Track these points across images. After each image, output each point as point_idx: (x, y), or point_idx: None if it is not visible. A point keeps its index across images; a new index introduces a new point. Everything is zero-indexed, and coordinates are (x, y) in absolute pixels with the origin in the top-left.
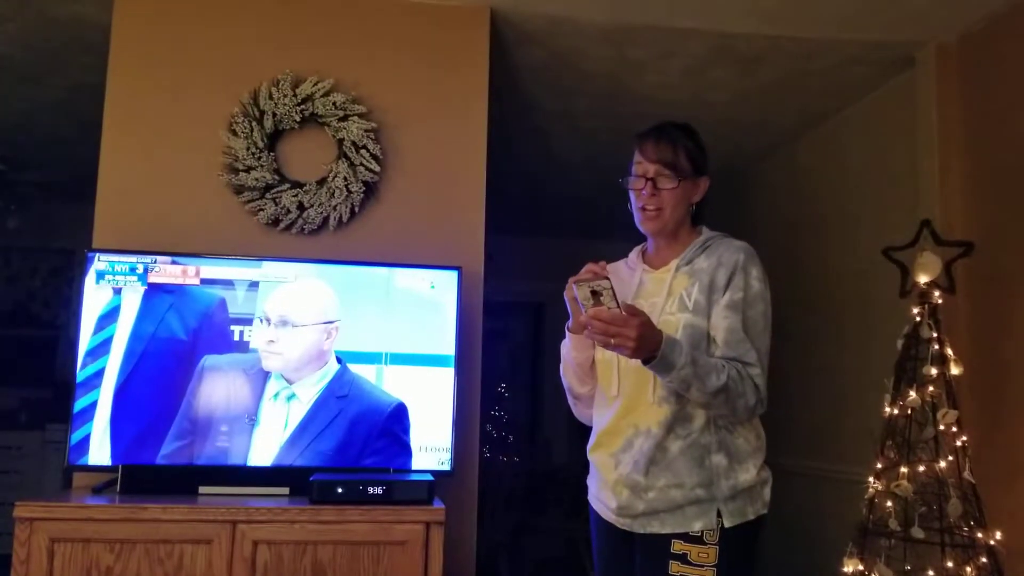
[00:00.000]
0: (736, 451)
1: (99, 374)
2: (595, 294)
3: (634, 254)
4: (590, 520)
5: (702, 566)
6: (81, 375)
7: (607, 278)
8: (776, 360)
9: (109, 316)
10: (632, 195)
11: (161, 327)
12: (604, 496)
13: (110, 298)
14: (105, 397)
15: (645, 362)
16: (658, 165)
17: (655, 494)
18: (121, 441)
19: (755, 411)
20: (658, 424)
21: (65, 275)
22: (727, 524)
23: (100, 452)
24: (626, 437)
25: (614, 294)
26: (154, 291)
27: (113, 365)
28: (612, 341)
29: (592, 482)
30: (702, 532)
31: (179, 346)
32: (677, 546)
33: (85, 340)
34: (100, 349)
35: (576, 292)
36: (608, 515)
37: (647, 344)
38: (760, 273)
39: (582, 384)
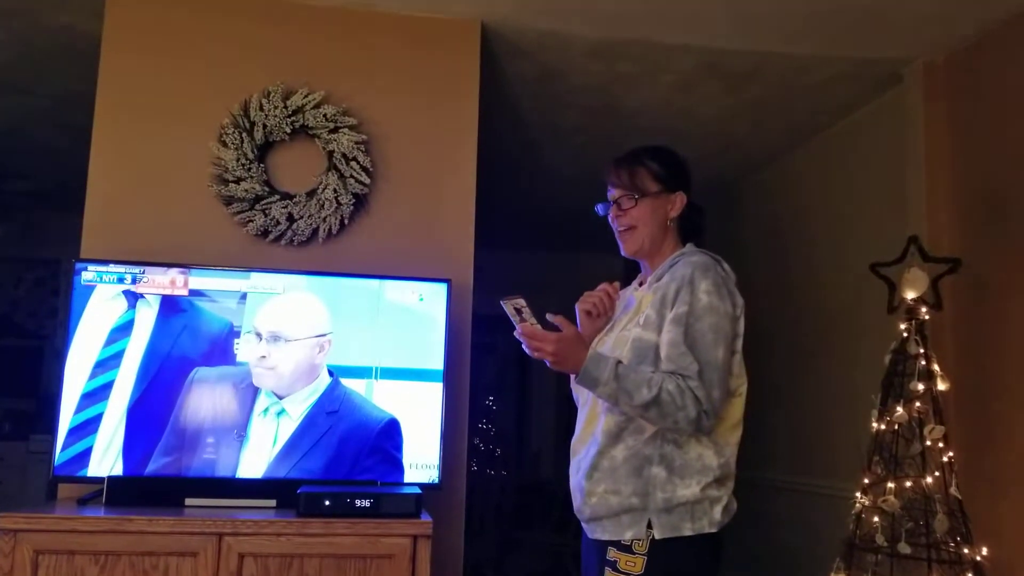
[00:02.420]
0: (680, 466)
1: (108, 386)
2: (518, 311)
3: (638, 277)
4: None
5: (628, 575)
6: (89, 385)
7: (522, 297)
8: (763, 374)
9: (123, 329)
10: (609, 221)
11: (175, 346)
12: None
13: (124, 310)
14: (116, 410)
15: (574, 377)
16: (619, 189)
17: (596, 499)
18: (132, 455)
19: (699, 423)
20: (602, 432)
21: (50, 285)
22: (657, 536)
23: (102, 465)
24: (586, 445)
25: (532, 311)
26: (169, 309)
27: (127, 378)
28: (535, 354)
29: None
30: (632, 541)
31: (182, 362)
32: (611, 553)
33: (95, 351)
34: (111, 361)
35: (505, 310)
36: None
37: (568, 359)
38: (711, 286)
39: None
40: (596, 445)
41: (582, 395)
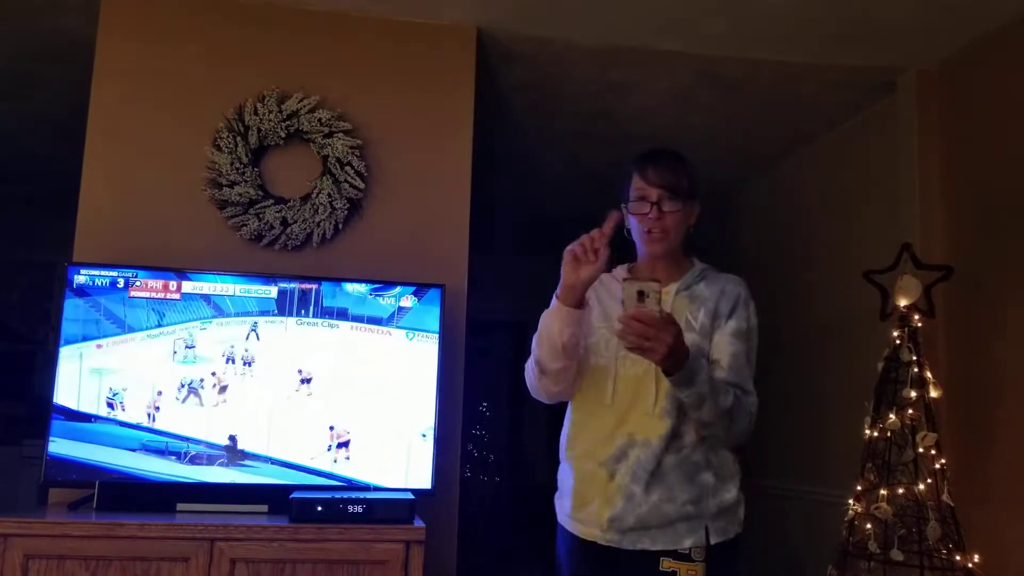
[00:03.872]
0: (722, 470)
1: None
2: (641, 295)
3: (622, 270)
4: (558, 542)
5: None
6: None
7: (657, 280)
8: (758, 381)
9: None
10: (634, 219)
11: None
12: (590, 511)
13: None
14: None
15: (667, 373)
16: (661, 189)
17: (647, 508)
18: None
19: (743, 437)
20: (659, 437)
21: (44, 289)
22: (713, 541)
23: None
24: (619, 446)
25: (659, 298)
26: None
27: None
28: (646, 344)
29: (565, 500)
30: (691, 549)
31: None
32: (666, 564)
33: None
34: None
35: (622, 291)
36: (590, 532)
37: (676, 354)
38: (755, 308)
39: (554, 360)
40: (650, 450)
41: (606, 393)
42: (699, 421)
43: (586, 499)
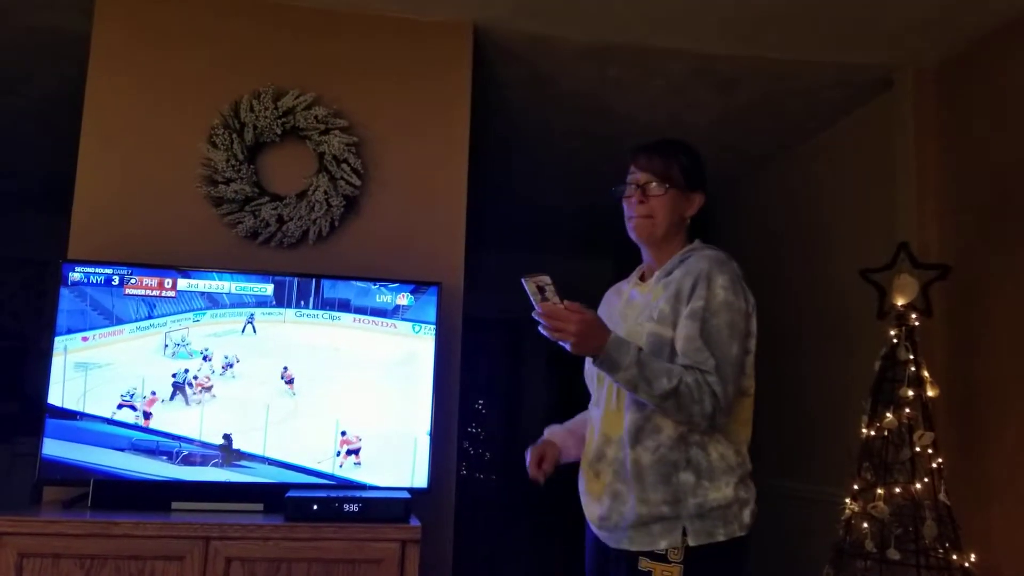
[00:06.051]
0: (707, 468)
1: None
2: (540, 290)
3: (635, 272)
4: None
5: None
6: None
7: (547, 275)
8: (755, 379)
9: None
10: (624, 205)
11: None
12: (587, 510)
13: None
14: None
15: (594, 360)
16: (648, 174)
17: (625, 508)
18: None
19: (714, 419)
20: (624, 432)
21: (37, 287)
22: (692, 543)
23: None
24: (597, 446)
25: (556, 290)
26: None
27: None
28: (555, 335)
29: (582, 495)
30: (667, 550)
31: None
32: (643, 564)
33: None
34: None
35: (525, 288)
36: (593, 528)
37: (590, 340)
38: (728, 281)
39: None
40: (621, 447)
41: (594, 392)
42: (649, 405)
43: (586, 497)
